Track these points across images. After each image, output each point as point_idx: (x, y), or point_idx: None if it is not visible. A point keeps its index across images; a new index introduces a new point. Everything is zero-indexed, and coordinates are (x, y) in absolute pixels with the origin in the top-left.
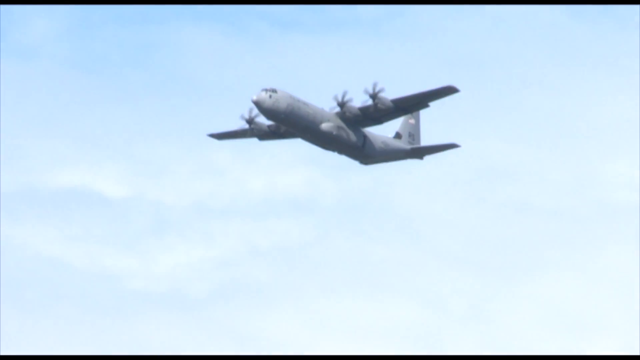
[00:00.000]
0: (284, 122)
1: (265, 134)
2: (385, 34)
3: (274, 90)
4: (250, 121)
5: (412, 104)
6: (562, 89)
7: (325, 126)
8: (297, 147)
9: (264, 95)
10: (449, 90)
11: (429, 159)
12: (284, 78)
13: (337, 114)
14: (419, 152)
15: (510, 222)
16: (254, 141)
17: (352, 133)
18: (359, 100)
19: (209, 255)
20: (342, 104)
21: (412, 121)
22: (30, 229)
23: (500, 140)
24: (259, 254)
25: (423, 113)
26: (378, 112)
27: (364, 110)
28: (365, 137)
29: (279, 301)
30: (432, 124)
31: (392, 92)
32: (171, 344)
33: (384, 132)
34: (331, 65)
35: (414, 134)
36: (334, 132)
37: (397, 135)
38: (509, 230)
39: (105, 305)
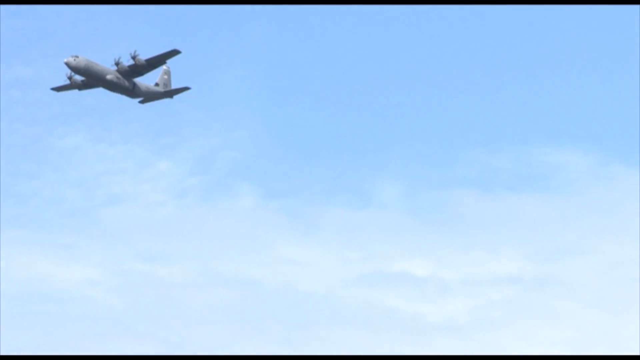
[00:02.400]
0: (85, 74)
1: (80, 86)
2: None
3: (77, 56)
4: (70, 78)
5: (156, 62)
6: None
7: (109, 77)
8: None
9: (70, 59)
10: (173, 53)
11: (177, 97)
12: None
13: (117, 70)
14: (170, 94)
15: None
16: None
17: (126, 81)
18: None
19: None
20: (117, 64)
21: (166, 77)
22: None
23: None
24: None
25: (174, 72)
26: (138, 67)
27: (130, 66)
28: (134, 84)
29: None
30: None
31: None
32: None
33: (149, 82)
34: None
35: (167, 84)
36: (114, 80)
37: (156, 84)
38: None
39: None
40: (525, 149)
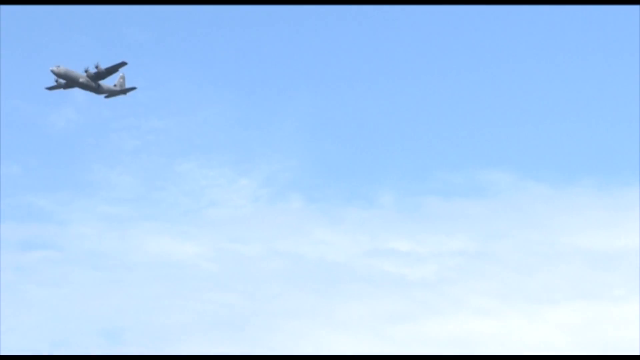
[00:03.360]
0: (65, 78)
1: (64, 86)
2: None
3: (59, 65)
4: (56, 81)
5: (112, 70)
6: None
7: (81, 79)
8: None
9: (54, 67)
10: (122, 64)
11: (131, 94)
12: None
13: (86, 75)
14: (124, 91)
15: None
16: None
17: (94, 82)
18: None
19: None
20: (86, 71)
21: (121, 80)
22: None
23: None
24: None
25: (128, 76)
26: (100, 73)
27: (95, 73)
28: (99, 84)
29: None
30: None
31: None
32: None
33: (110, 83)
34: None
35: (123, 85)
36: (85, 82)
37: (115, 85)
38: None
39: None
40: (472, 170)
